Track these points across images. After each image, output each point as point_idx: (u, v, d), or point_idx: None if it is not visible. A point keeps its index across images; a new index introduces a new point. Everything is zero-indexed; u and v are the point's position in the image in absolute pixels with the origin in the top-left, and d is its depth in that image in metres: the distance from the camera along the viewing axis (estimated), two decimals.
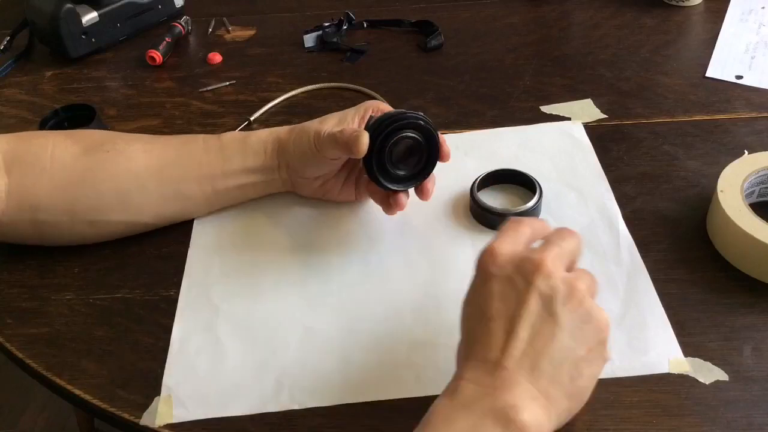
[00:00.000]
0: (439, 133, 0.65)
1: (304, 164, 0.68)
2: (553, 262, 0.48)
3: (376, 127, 0.63)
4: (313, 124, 0.67)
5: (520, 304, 0.47)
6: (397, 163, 0.64)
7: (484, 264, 0.50)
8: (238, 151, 0.69)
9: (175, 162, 0.68)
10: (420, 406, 0.55)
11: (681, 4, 1.02)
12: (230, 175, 0.69)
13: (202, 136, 0.71)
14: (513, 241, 0.51)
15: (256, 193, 0.72)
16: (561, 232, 0.52)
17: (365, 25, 1.03)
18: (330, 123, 0.67)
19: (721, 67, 0.89)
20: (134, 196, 0.67)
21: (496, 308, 0.48)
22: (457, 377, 0.48)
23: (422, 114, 0.64)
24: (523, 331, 0.47)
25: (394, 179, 0.64)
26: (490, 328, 0.48)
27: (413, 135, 0.63)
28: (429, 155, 0.65)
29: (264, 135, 0.70)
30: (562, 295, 0.47)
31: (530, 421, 0.44)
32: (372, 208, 0.71)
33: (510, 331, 0.47)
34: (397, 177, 0.64)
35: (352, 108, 0.68)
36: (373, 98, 0.87)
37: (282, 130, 0.70)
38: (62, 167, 0.66)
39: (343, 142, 0.62)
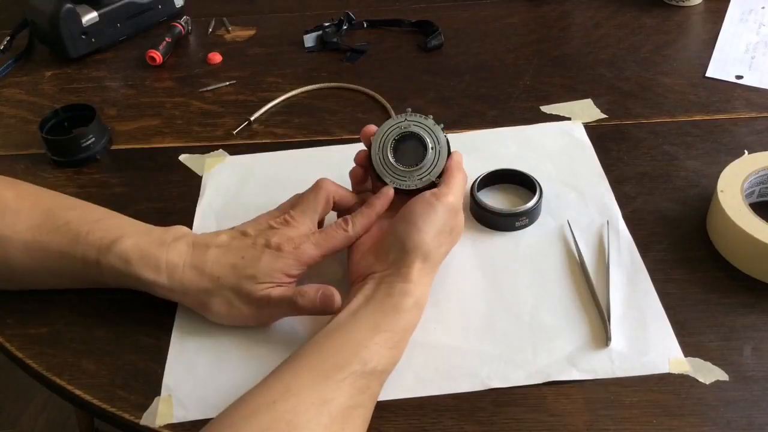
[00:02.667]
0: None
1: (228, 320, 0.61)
2: None
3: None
4: (243, 284, 0.58)
5: None
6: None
7: None
8: (120, 282, 0.61)
9: (58, 268, 0.62)
10: (420, 406, 0.55)
11: (681, 4, 1.02)
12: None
13: (80, 252, 0.60)
14: None
15: None
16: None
17: (365, 25, 1.03)
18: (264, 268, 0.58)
19: (721, 67, 0.89)
20: (21, 273, 0.63)
21: None
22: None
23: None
24: None
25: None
26: None
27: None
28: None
29: (150, 276, 0.59)
30: None
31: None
32: None
33: None
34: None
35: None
36: (373, 98, 0.87)
37: (181, 277, 0.59)
38: None
39: (309, 309, 0.58)
